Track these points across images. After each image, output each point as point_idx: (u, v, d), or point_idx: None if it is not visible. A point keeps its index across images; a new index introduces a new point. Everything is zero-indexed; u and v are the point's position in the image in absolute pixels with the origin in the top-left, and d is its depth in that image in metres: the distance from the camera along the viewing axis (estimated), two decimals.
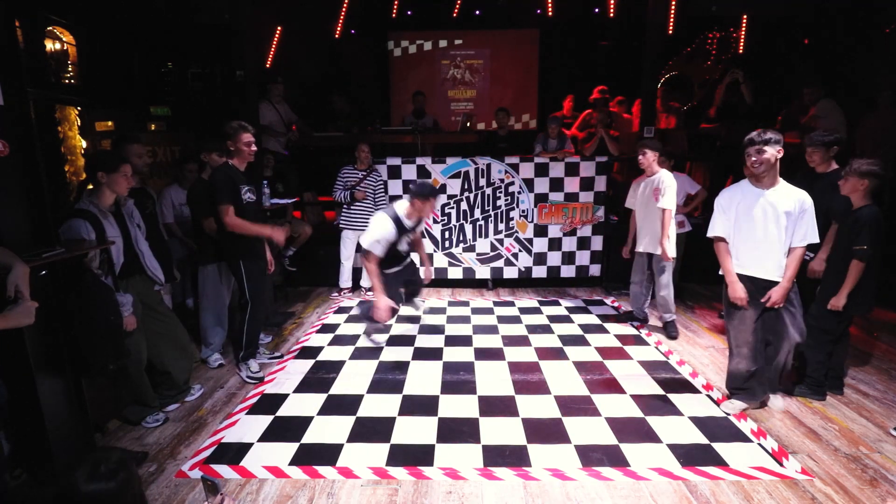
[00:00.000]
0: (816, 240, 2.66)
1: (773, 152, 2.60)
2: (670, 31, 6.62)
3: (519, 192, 5.25)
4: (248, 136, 3.21)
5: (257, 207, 3.42)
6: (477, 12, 7.91)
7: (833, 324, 2.92)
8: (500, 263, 5.41)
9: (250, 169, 3.36)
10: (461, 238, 5.37)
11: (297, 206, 5.47)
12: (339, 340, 4.02)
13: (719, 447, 2.53)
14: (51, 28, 4.99)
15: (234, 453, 2.53)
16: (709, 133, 6.05)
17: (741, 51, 7.24)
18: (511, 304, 4.93)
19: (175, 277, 3.48)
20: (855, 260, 2.77)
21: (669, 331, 4.06)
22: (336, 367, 3.53)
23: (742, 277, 2.74)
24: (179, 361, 3.01)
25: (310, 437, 2.68)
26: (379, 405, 3.00)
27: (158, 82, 6.10)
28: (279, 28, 7.16)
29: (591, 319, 4.45)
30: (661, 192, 3.82)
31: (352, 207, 4.93)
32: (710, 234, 2.85)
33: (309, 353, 3.78)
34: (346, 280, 5.20)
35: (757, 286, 2.71)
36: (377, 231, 3.43)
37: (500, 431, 2.70)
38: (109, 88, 5.49)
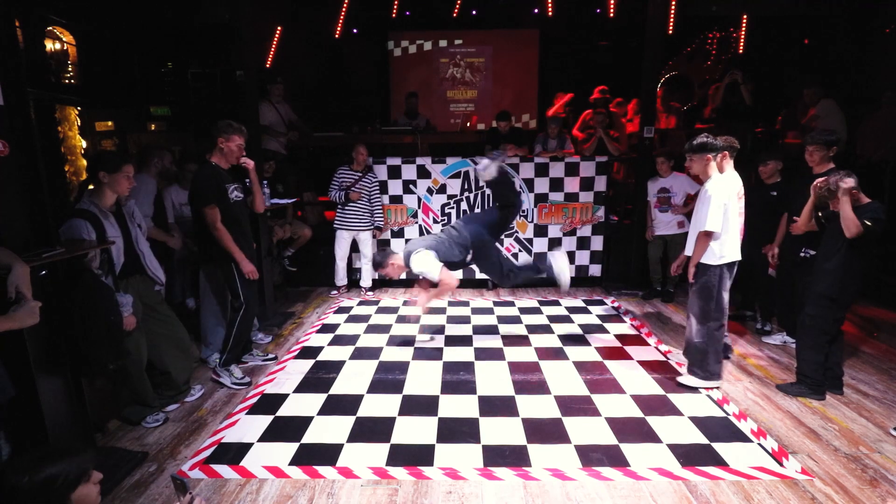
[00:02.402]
0: (703, 227, 3.00)
1: (696, 159, 3.07)
2: (670, 31, 6.62)
3: (519, 193, 5.25)
4: (241, 140, 3.18)
5: (244, 205, 3.37)
6: (473, 12, 7.90)
7: (830, 322, 2.94)
8: None
9: (235, 169, 3.31)
10: None
11: (297, 206, 5.47)
12: (339, 340, 4.02)
13: (719, 447, 2.53)
14: (51, 28, 5.00)
15: (234, 453, 2.53)
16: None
17: (741, 51, 7.24)
18: (511, 304, 4.93)
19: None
20: (861, 225, 2.74)
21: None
22: (336, 367, 3.53)
23: None
24: (180, 361, 3.01)
25: (310, 437, 2.67)
26: (379, 405, 3.00)
27: (158, 82, 6.10)
28: (279, 28, 7.16)
29: (591, 319, 4.45)
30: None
31: (346, 208, 4.93)
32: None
33: (309, 353, 3.78)
34: (341, 278, 5.22)
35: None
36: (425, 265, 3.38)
37: (500, 431, 2.70)
38: (109, 88, 5.50)
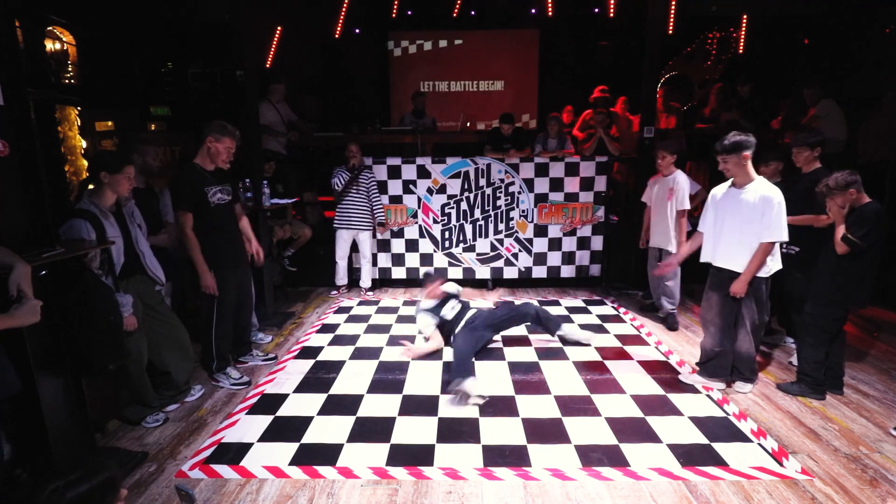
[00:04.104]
0: (778, 238, 2.82)
1: (733, 161, 2.86)
2: (670, 31, 6.62)
3: (519, 192, 5.25)
4: (231, 144, 3.09)
5: (229, 209, 3.24)
6: (473, 12, 7.89)
7: (829, 321, 2.94)
8: (500, 263, 5.41)
9: (222, 171, 3.19)
10: (461, 238, 5.37)
11: (297, 206, 5.46)
12: (339, 340, 4.02)
13: (719, 447, 2.53)
14: (51, 28, 5.00)
15: (234, 453, 2.53)
16: (704, 133, 6.06)
17: (741, 51, 7.24)
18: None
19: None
20: (843, 242, 2.78)
21: (670, 322, 4.24)
22: (336, 367, 3.53)
23: (714, 267, 3.10)
24: (180, 362, 3.01)
25: (310, 437, 2.68)
26: (379, 405, 3.00)
27: (158, 82, 6.10)
28: (279, 28, 7.16)
29: (591, 319, 4.45)
30: (675, 192, 4.07)
31: (346, 207, 4.93)
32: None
33: (309, 353, 3.78)
34: (341, 278, 5.22)
35: (723, 276, 3.02)
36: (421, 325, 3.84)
37: (500, 431, 2.70)
38: (109, 88, 5.49)
